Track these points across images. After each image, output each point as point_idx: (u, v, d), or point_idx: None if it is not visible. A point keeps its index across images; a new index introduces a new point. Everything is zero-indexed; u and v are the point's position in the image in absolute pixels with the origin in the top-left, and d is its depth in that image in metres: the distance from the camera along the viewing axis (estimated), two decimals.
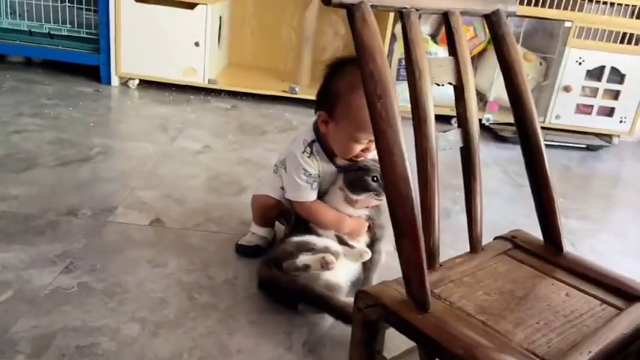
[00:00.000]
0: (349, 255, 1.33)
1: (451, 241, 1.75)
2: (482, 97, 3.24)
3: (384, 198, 1.30)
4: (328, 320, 1.31)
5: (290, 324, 1.28)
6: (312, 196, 1.38)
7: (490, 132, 3.21)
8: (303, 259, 1.26)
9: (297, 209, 1.43)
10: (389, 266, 1.59)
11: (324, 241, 1.35)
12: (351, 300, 1.29)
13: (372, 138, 1.31)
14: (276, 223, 1.64)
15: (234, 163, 2.27)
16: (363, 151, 1.33)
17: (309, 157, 1.37)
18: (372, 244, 1.41)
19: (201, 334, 1.22)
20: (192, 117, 2.84)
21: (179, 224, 1.69)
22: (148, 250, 1.53)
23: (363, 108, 1.29)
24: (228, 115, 3.00)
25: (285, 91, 3.20)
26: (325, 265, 1.23)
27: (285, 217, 1.56)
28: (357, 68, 1.35)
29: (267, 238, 1.59)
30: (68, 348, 1.14)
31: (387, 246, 1.68)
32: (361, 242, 1.39)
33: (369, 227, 1.40)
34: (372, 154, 1.39)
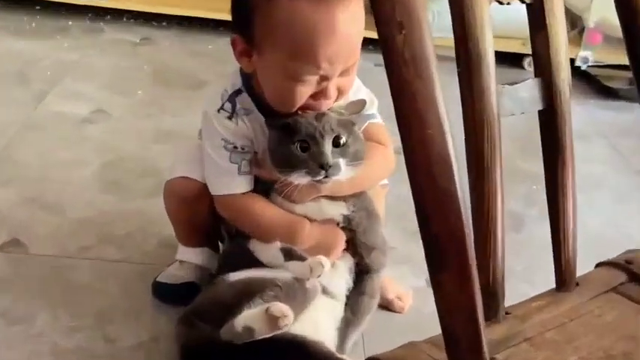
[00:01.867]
0: (296, 271, 1.33)
1: (524, 269, 1.77)
2: (575, 23, 3.28)
3: (329, 181, 1.30)
4: None
5: None
6: (240, 184, 1.40)
7: (589, 81, 3.25)
8: (245, 316, 1.25)
9: (219, 209, 1.45)
10: (418, 311, 1.61)
11: (281, 274, 1.34)
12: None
13: (326, 71, 1.30)
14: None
15: (149, 139, 2.27)
16: (314, 97, 1.32)
17: (229, 117, 1.39)
18: (357, 279, 1.42)
19: None
20: (72, 58, 2.83)
21: (53, 248, 1.69)
22: None
23: (295, 17, 1.26)
24: (135, 54, 3.00)
25: None
26: (275, 325, 1.21)
27: (225, 226, 1.56)
28: None
29: (206, 267, 1.60)
30: None
31: (416, 280, 1.69)
32: (339, 273, 1.39)
33: (348, 244, 1.41)
34: (339, 103, 1.38)
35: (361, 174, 1.35)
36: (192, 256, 1.60)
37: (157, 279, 1.59)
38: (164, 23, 3.31)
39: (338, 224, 1.39)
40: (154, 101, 2.55)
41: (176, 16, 3.30)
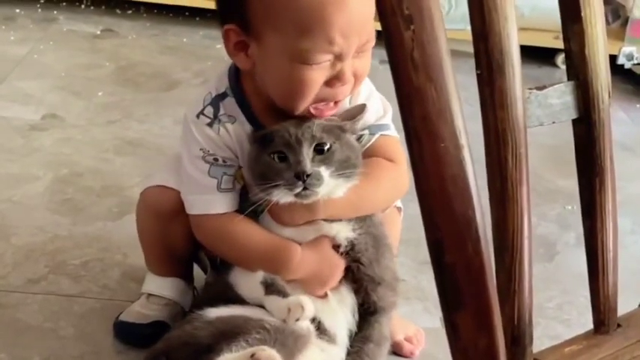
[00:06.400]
0: (272, 309, 1.35)
1: (556, 306, 1.76)
2: (617, 13, 3.29)
3: (311, 194, 1.31)
4: None
5: None
6: (219, 202, 1.41)
7: (634, 82, 3.27)
8: None
9: (195, 232, 1.46)
10: (431, 356, 1.61)
11: (270, 315, 1.34)
12: None
13: (340, 47, 1.31)
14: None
15: (111, 149, 2.28)
16: (329, 84, 1.33)
17: (210, 124, 1.41)
18: (362, 322, 1.42)
19: None
20: (19, 53, 2.83)
21: None
22: None
23: None
24: (95, 47, 3.00)
25: None
26: None
27: (207, 252, 1.58)
28: None
29: (179, 302, 1.60)
30: None
31: (429, 318, 1.68)
32: (337, 311, 1.40)
33: (346, 273, 1.40)
34: (363, 95, 1.41)
35: (364, 194, 1.36)
36: (162, 288, 1.59)
37: (120, 318, 1.58)
38: (129, 11, 3.32)
39: (338, 248, 1.39)
40: (117, 105, 2.55)
41: (144, 2, 3.31)
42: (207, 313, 1.38)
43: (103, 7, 3.32)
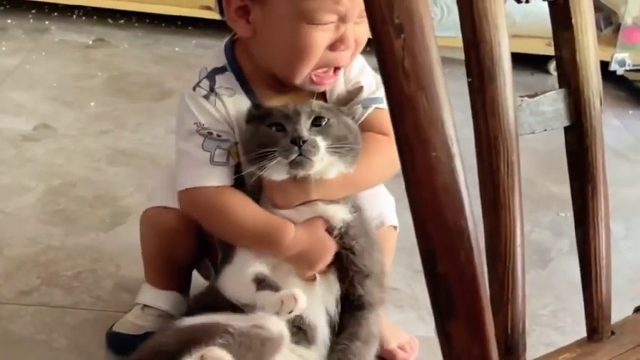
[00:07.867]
0: (264, 303, 1.32)
1: (551, 313, 1.77)
2: (609, 19, 3.30)
3: (306, 162, 1.31)
4: None
5: None
6: (211, 175, 1.40)
7: (627, 88, 3.27)
8: None
9: (185, 208, 1.44)
10: None
11: (238, 320, 1.33)
12: None
13: (345, 7, 1.33)
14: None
15: (103, 159, 2.27)
16: (333, 48, 1.36)
17: (206, 97, 1.41)
18: (347, 318, 1.41)
19: None
20: (11, 63, 2.83)
21: None
22: None
23: None
24: (87, 57, 2.99)
25: (208, 7, 3.16)
26: None
27: (211, 258, 1.57)
28: None
29: (173, 314, 1.59)
30: None
31: (423, 327, 1.68)
32: (318, 298, 1.39)
33: (336, 258, 1.39)
34: (356, 68, 1.44)
35: (358, 170, 1.37)
36: (158, 299, 1.59)
37: (113, 328, 1.58)
38: (122, 21, 3.32)
39: (332, 232, 1.38)
40: (110, 115, 2.55)
41: (136, 12, 3.30)
42: (180, 321, 1.39)
43: (95, 17, 3.32)
